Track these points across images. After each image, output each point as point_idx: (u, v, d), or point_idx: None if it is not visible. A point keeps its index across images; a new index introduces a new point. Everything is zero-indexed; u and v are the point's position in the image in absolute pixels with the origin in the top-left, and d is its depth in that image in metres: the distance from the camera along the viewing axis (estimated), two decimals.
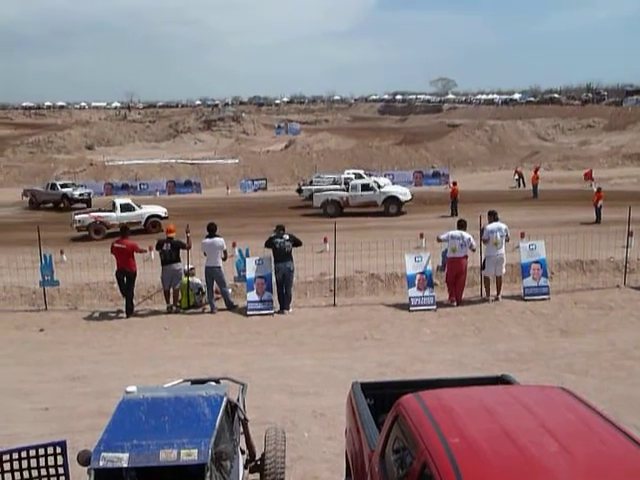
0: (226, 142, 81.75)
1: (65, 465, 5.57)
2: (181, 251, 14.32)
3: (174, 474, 4.70)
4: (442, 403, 4.49)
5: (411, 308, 13.47)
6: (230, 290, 14.41)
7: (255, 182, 46.28)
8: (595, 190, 26.40)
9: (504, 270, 13.92)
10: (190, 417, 5.05)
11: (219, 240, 14.08)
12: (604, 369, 9.75)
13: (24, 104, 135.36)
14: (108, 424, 5.00)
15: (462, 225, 14.06)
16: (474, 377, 6.40)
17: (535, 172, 35.59)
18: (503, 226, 13.89)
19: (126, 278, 14.04)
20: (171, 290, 14.24)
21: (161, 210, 28.58)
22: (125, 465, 4.57)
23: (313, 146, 65.46)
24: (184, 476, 4.70)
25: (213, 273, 13.94)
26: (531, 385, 6.11)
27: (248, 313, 13.70)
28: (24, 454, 5.55)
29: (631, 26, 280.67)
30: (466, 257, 13.80)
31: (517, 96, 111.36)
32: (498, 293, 13.81)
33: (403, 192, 31.37)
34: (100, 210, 28.38)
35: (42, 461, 5.58)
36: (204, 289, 14.32)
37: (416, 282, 13.69)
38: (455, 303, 13.66)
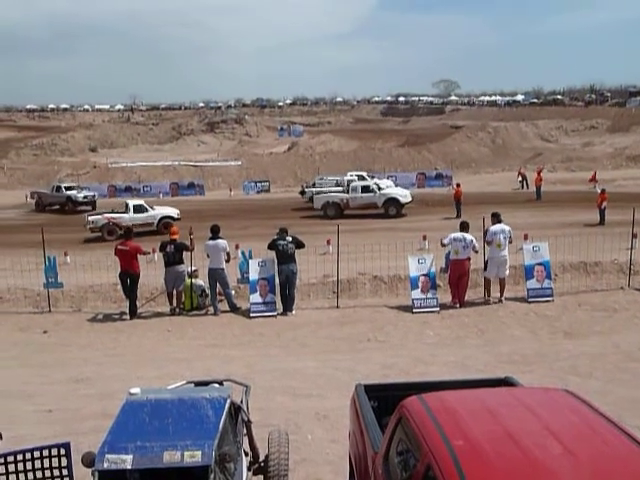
0: (229, 144, 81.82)
1: (69, 467, 5.58)
2: (184, 253, 14.34)
3: (178, 476, 4.70)
4: (446, 405, 4.49)
5: (414, 310, 13.47)
6: (233, 292, 14.42)
7: (258, 184, 46.34)
8: (599, 192, 26.36)
9: (507, 272, 13.91)
10: (194, 419, 5.05)
11: (222, 242, 14.09)
12: (608, 371, 9.73)
13: (28, 107, 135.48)
14: (112, 426, 5.01)
15: (464, 227, 14.05)
16: (477, 379, 6.39)
17: (538, 174, 35.56)
18: (506, 228, 13.88)
19: (129, 280, 14.05)
20: (174, 292, 14.25)
21: (174, 211, 28.71)
22: (129, 467, 4.58)
23: (316, 148, 65.48)
24: (188, 478, 4.71)
25: (216, 275, 13.95)
26: (535, 387, 6.10)
27: (251, 315, 13.70)
28: (28, 456, 5.56)
29: (634, 27, 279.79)
30: (469, 259, 13.79)
31: (520, 97, 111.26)
32: (501, 295, 13.79)
33: (403, 194, 31.39)
34: (113, 211, 28.57)
35: (46, 463, 5.58)
36: (207, 291, 14.33)
37: (419, 284, 13.68)
38: (458, 305, 13.65)
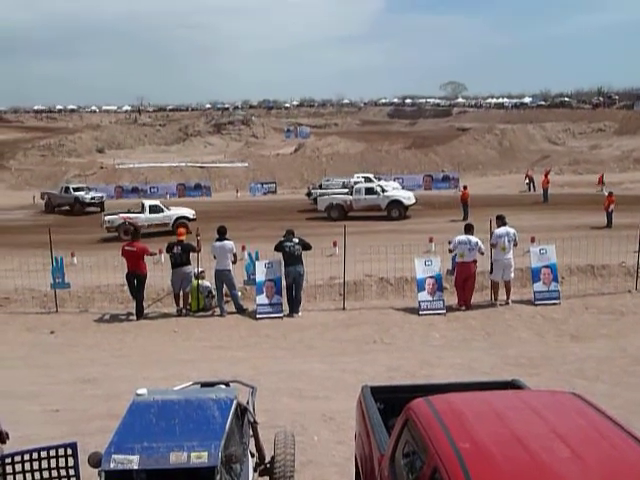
0: (236, 145, 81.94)
1: (76, 467, 5.60)
2: (191, 254, 14.36)
3: (184, 476, 4.71)
4: (452, 407, 4.48)
5: (421, 312, 13.45)
6: (240, 293, 14.43)
7: (264, 185, 46.39)
8: (606, 194, 26.28)
9: (512, 275, 13.86)
10: (200, 420, 5.06)
11: (229, 243, 14.11)
12: (615, 375, 9.70)
13: (35, 107, 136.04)
14: (118, 426, 5.02)
15: (469, 229, 14.01)
16: (484, 382, 6.38)
17: (545, 176, 35.50)
18: (511, 230, 13.84)
19: (136, 281, 14.08)
20: (181, 293, 14.28)
21: (189, 212, 28.86)
22: (135, 467, 4.60)
23: (322, 150, 65.46)
24: (194, 479, 4.71)
25: (223, 276, 13.97)
26: (542, 390, 6.08)
27: (257, 316, 13.72)
28: (35, 455, 5.58)
29: None
30: (475, 262, 13.76)
31: (527, 100, 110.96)
32: (508, 298, 13.76)
33: (407, 196, 31.43)
34: (129, 211, 28.75)
35: (53, 463, 5.60)
36: (214, 292, 14.35)
37: (426, 286, 13.67)
38: (464, 308, 13.62)
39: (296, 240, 14.03)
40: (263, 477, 6.30)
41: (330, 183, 37.13)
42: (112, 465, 4.58)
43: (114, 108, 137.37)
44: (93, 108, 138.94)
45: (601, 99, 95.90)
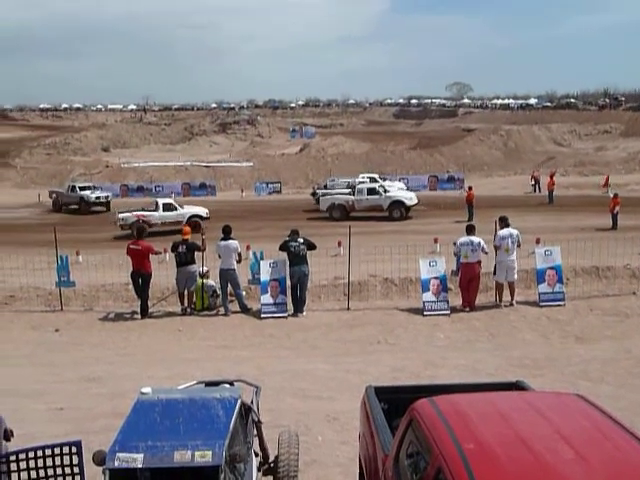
0: (241, 145, 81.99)
1: (80, 465, 5.61)
2: (196, 253, 14.38)
3: (188, 475, 4.72)
4: (456, 408, 4.48)
5: (425, 313, 13.44)
6: (244, 293, 14.44)
7: (269, 185, 46.40)
8: (611, 196, 26.22)
9: (516, 276, 13.84)
10: (204, 419, 5.07)
11: (234, 242, 14.13)
12: (619, 376, 9.68)
13: (41, 106, 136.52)
14: (123, 425, 5.03)
15: (470, 230, 13.98)
16: (488, 383, 6.38)
17: (551, 177, 35.44)
18: (514, 232, 13.81)
19: (141, 279, 14.10)
20: (186, 292, 14.29)
21: (202, 210, 28.99)
22: (140, 466, 4.60)
23: (328, 150, 65.45)
24: (198, 477, 4.72)
25: (227, 275, 13.98)
26: (546, 391, 6.07)
27: (262, 316, 13.72)
28: (40, 453, 5.60)
29: None
30: (479, 262, 13.73)
31: (533, 101, 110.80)
32: (512, 299, 13.73)
33: (409, 197, 31.48)
34: (143, 209, 28.93)
35: (57, 460, 5.62)
36: (218, 291, 14.36)
37: (430, 287, 13.65)
38: (468, 309, 13.60)
39: (301, 240, 14.03)
40: (267, 476, 6.31)
41: (335, 183, 37.12)
42: (116, 463, 4.59)
43: (120, 107, 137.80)
44: (99, 107, 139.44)
45: (607, 100, 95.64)
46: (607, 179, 37.73)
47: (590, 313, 13.12)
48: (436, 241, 19.19)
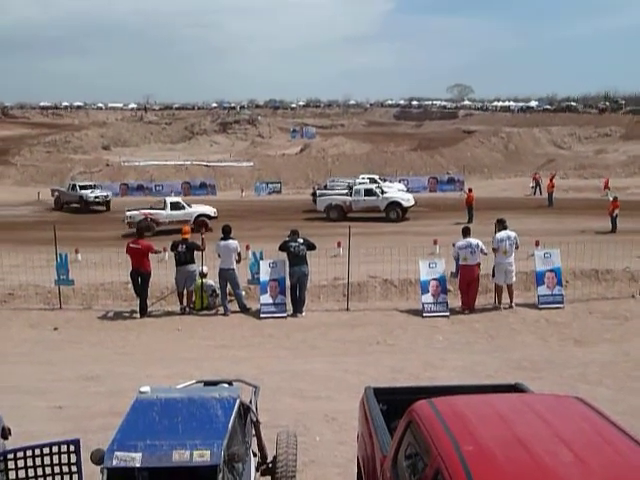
0: (241, 145, 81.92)
1: (78, 463, 5.60)
2: (195, 252, 14.38)
3: (186, 475, 4.72)
4: (455, 410, 4.48)
5: (424, 314, 13.44)
6: (243, 292, 14.44)
7: (269, 185, 46.34)
8: (611, 199, 26.22)
9: (514, 278, 13.83)
10: (203, 418, 5.07)
11: (233, 242, 14.12)
12: (618, 379, 9.68)
13: (42, 104, 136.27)
14: (121, 424, 5.03)
15: (467, 232, 13.97)
16: (487, 385, 6.38)
17: (550, 180, 35.44)
18: (512, 234, 13.80)
19: (140, 278, 14.10)
20: (185, 291, 14.29)
21: (210, 210, 29.01)
22: (138, 465, 4.60)
23: (328, 150, 65.41)
24: (196, 477, 4.72)
25: (227, 275, 13.98)
26: (545, 394, 6.07)
27: (261, 316, 13.72)
28: (38, 452, 5.59)
29: None
30: (478, 265, 13.72)
31: (534, 104, 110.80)
32: (511, 301, 13.73)
33: (406, 198, 31.56)
34: (151, 207, 29.01)
35: (56, 459, 5.61)
36: (218, 291, 14.35)
37: (430, 288, 13.66)
38: (467, 311, 13.60)
39: (301, 240, 14.03)
40: (265, 476, 6.31)
41: (335, 184, 37.08)
42: (114, 462, 4.59)
43: (120, 105, 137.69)
44: (99, 105, 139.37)
45: (607, 104, 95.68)
46: (607, 182, 37.73)
47: (589, 316, 13.13)
48: (436, 243, 19.18)
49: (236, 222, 19.77)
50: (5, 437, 6.76)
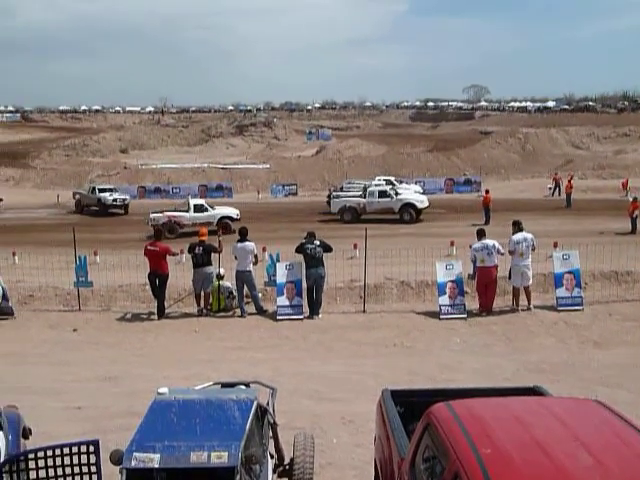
0: (258, 147, 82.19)
1: (98, 464, 5.64)
2: (213, 255, 14.43)
3: (204, 476, 4.73)
4: (473, 413, 4.46)
5: (441, 316, 13.39)
6: (260, 294, 14.47)
7: (286, 187, 46.45)
8: (631, 200, 25.99)
9: (531, 280, 13.71)
10: (221, 420, 5.08)
11: (250, 244, 14.16)
12: (639, 382, 9.57)
13: (61, 108, 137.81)
14: (140, 424, 5.06)
15: (481, 234, 13.87)
16: (505, 387, 6.35)
17: (569, 181, 35.21)
18: (529, 236, 13.69)
19: (158, 280, 14.17)
20: (202, 293, 14.34)
21: (233, 212, 29.24)
22: (156, 466, 4.62)
23: (344, 152, 65.44)
24: (214, 478, 4.73)
25: (243, 277, 14.02)
26: (564, 397, 6.02)
27: (278, 318, 13.74)
28: (57, 452, 5.62)
29: None
30: (496, 267, 13.63)
31: (551, 104, 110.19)
32: (529, 303, 13.63)
33: (420, 199, 31.52)
34: (175, 210, 29.27)
35: (75, 459, 5.65)
36: (235, 293, 14.40)
37: (447, 290, 13.60)
38: (485, 313, 13.53)
39: (317, 242, 14.04)
40: (282, 479, 6.31)
41: (351, 186, 37.07)
42: (133, 463, 4.62)
43: (137, 109, 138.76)
44: (117, 109, 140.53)
45: (626, 103, 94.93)
46: (626, 182, 37.40)
47: (609, 318, 13.00)
48: (452, 244, 19.12)
49: (253, 224, 19.83)
50: (26, 437, 6.82)
